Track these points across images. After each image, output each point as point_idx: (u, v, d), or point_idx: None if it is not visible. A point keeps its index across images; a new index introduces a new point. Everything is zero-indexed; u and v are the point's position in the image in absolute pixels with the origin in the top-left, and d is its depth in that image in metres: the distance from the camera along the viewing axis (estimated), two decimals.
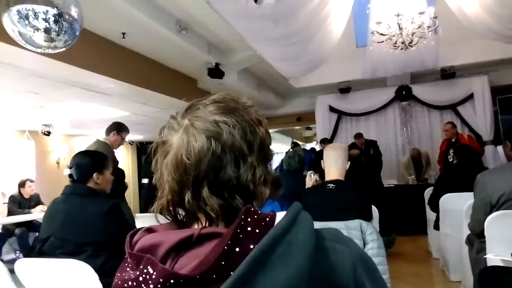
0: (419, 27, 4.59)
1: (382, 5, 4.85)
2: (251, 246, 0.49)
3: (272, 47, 4.62)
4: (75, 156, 1.94)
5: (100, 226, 1.71)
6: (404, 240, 4.97)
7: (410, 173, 6.37)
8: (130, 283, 0.53)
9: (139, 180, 9.72)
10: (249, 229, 0.51)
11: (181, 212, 0.61)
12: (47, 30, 2.29)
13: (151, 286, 0.50)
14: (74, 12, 2.39)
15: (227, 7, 3.59)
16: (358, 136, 6.51)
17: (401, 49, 4.76)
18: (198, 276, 0.48)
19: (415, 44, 4.72)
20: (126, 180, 3.58)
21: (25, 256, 4.48)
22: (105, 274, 1.49)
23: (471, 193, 2.32)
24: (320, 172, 2.37)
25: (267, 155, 0.63)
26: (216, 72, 5.36)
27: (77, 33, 2.47)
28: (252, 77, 6.59)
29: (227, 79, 5.58)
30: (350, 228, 1.81)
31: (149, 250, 0.54)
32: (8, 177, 6.10)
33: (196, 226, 0.59)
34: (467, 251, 2.54)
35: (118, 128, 3.55)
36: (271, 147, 0.65)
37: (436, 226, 3.61)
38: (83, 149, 2.56)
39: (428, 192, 4.15)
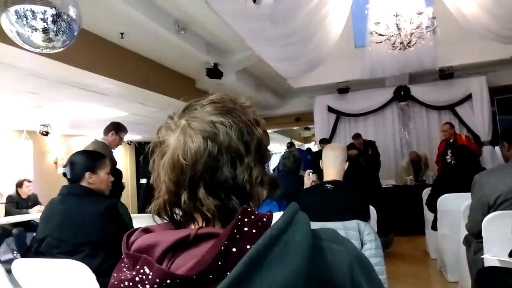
0: (418, 27, 4.60)
1: (381, 5, 4.86)
2: (248, 246, 0.49)
3: (270, 47, 4.63)
4: (72, 155, 1.94)
5: (97, 226, 1.71)
6: (402, 241, 4.98)
7: (409, 175, 6.38)
8: (126, 283, 0.53)
9: (137, 180, 9.70)
10: (245, 229, 0.51)
11: (178, 212, 0.61)
12: (45, 30, 2.29)
13: (148, 286, 0.50)
14: (72, 12, 2.39)
15: (225, 7, 3.59)
16: (357, 136, 6.52)
17: (400, 49, 4.77)
18: (194, 276, 0.48)
19: (413, 45, 4.73)
20: (123, 180, 3.58)
21: (22, 256, 4.47)
22: (102, 274, 1.48)
23: (469, 194, 2.32)
24: (319, 172, 2.37)
25: (265, 156, 0.63)
26: (214, 72, 5.36)
27: (75, 33, 2.47)
28: (250, 77, 6.59)
29: (225, 79, 5.58)
30: (348, 228, 1.81)
31: (145, 250, 0.54)
32: (6, 177, 6.09)
33: (192, 227, 0.59)
34: (464, 251, 2.54)
35: (117, 128, 3.55)
36: (269, 147, 0.65)
37: (434, 227, 3.62)
38: (81, 149, 2.55)
39: (426, 193, 4.16)
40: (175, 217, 0.61)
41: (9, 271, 1.61)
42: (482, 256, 2.03)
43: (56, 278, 1.56)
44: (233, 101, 0.63)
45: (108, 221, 1.73)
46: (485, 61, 6.19)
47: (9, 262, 4.12)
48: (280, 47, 4.67)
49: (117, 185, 3.07)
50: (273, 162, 8.16)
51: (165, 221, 0.62)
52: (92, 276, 1.47)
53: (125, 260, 0.57)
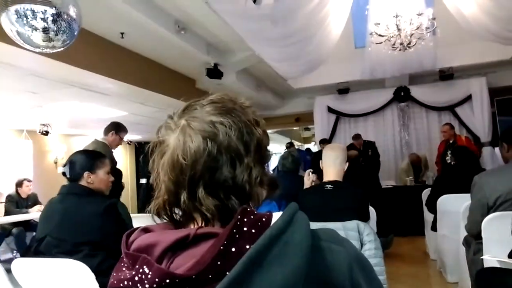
0: (418, 28, 4.60)
1: (381, 6, 4.86)
2: (247, 246, 0.49)
3: (271, 47, 4.63)
4: (71, 154, 1.94)
5: (96, 225, 1.71)
6: (401, 241, 4.98)
7: (409, 176, 6.37)
8: (125, 282, 0.53)
9: (137, 180, 9.70)
10: (245, 229, 0.51)
11: (178, 212, 0.61)
12: (45, 30, 2.29)
13: (147, 285, 0.50)
14: (72, 12, 2.39)
15: (226, 8, 3.59)
16: (357, 137, 6.52)
17: (400, 50, 4.77)
18: (194, 276, 0.48)
19: (413, 45, 4.74)
20: (123, 180, 3.58)
21: (22, 255, 4.47)
22: (102, 273, 1.48)
23: (469, 195, 2.33)
24: (319, 172, 2.37)
25: (264, 156, 0.63)
26: (214, 72, 5.36)
27: (75, 33, 2.47)
28: (250, 78, 6.59)
29: (225, 79, 5.58)
30: (347, 229, 1.81)
31: (145, 250, 0.54)
32: (6, 176, 6.09)
33: (192, 226, 0.59)
34: (464, 252, 2.55)
35: (117, 128, 3.55)
36: (268, 147, 0.66)
37: (434, 227, 3.62)
38: (81, 149, 2.55)
39: (425, 193, 4.16)
40: (175, 216, 0.61)
41: (8, 271, 1.61)
42: (481, 257, 2.03)
43: (55, 278, 1.56)
44: (233, 101, 0.63)
45: (107, 220, 1.73)
46: (485, 62, 6.19)
47: (8, 261, 4.12)
48: (280, 48, 4.67)
49: (117, 185, 3.07)
50: (273, 163, 8.17)
51: (165, 221, 0.62)
52: (92, 276, 1.47)
53: (124, 259, 0.57)
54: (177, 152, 0.57)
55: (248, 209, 0.53)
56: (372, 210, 2.45)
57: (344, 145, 5.69)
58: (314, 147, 10.84)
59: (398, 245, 4.70)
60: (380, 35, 4.73)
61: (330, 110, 7.87)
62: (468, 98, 6.97)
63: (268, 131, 0.67)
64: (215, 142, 0.56)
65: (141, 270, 0.51)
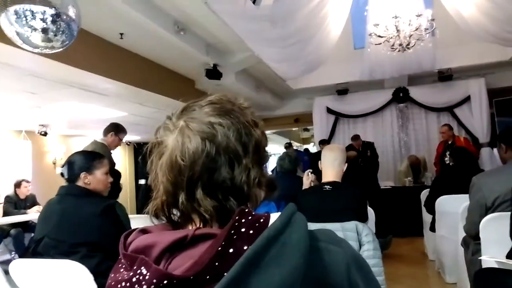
0: (417, 29, 4.61)
1: (380, 7, 4.87)
2: (245, 247, 0.49)
3: (270, 48, 4.63)
4: (70, 155, 1.94)
5: (94, 226, 1.70)
6: (400, 242, 4.98)
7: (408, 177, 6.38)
8: (123, 283, 0.53)
9: (136, 181, 9.69)
10: (243, 230, 0.51)
11: (176, 213, 0.61)
12: (44, 30, 2.29)
13: (145, 286, 0.50)
14: (71, 12, 2.39)
15: (225, 8, 3.59)
16: (356, 137, 6.53)
17: (399, 51, 4.78)
18: (191, 277, 0.48)
19: (412, 46, 4.75)
20: (121, 181, 3.58)
21: (20, 256, 4.46)
22: (100, 274, 1.48)
23: (467, 195, 2.33)
24: (318, 173, 2.37)
25: (263, 157, 0.63)
26: (214, 73, 5.36)
27: (74, 33, 2.47)
28: (250, 78, 6.60)
29: (225, 80, 5.58)
30: (346, 229, 1.81)
31: (143, 251, 0.54)
32: (4, 177, 6.07)
33: (190, 227, 0.59)
34: (462, 253, 2.55)
35: (116, 129, 3.55)
36: (267, 148, 0.66)
37: (432, 228, 3.62)
38: (80, 149, 2.54)
39: (424, 194, 4.17)
40: (173, 217, 0.61)
41: (7, 272, 1.61)
42: (480, 258, 2.03)
43: (54, 279, 1.55)
44: (231, 102, 0.63)
45: (105, 221, 1.72)
46: (483, 63, 6.20)
47: (7, 262, 4.10)
48: (280, 48, 4.67)
49: (115, 186, 3.07)
50: (272, 163, 8.16)
51: (163, 222, 0.62)
52: (90, 277, 1.47)
53: (122, 260, 0.57)
54: (176, 153, 0.57)
55: (246, 210, 0.53)
56: (370, 211, 2.45)
57: (343, 145, 5.70)
58: (313, 148, 10.84)
59: (396, 245, 4.70)
60: (379, 36, 4.74)
61: (329, 110, 7.87)
62: (467, 99, 6.99)
63: (267, 132, 0.67)
64: (214, 143, 0.57)
65: (139, 271, 0.51)
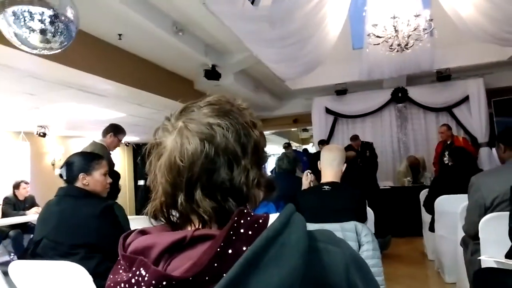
0: (415, 29, 4.62)
1: (378, 7, 4.88)
2: (244, 248, 0.49)
3: (268, 48, 4.64)
4: (69, 156, 1.93)
5: (93, 228, 1.70)
6: (399, 242, 4.98)
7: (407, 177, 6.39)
8: (122, 285, 0.53)
9: (135, 182, 9.68)
10: (242, 231, 0.51)
11: (175, 214, 0.60)
12: (42, 31, 2.28)
13: None
14: (70, 13, 2.39)
15: (223, 9, 3.60)
16: (354, 138, 6.54)
17: (397, 51, 4.79)
18: (190, 278, 0.48)
19: (411, 47, 4.75)
20: (120, 182, 3.57)
21: (19, 258, 4.45)
22: (99, 276, 1.48)
23: (466, 195, 2.33)
24: (317, 173, 2.37)
25: (261, 158, 0.63)
26: (212, 73, 5.36)
27: (73, 34, 2.47)
28: (248, 79, 6.60)
29: (223, 80, 5.58)
30: (345, 229, 1.81)
31: (142, 252, 0.54)
32: (3, 178, 6.06)
33: (189, 228, 0.59)
34: (462, 252, 2.55)
35: (115, 130, 3.55)
36: (265, 149, 0.66)
37: (431, 228, 3.62)
38: (79, 150, 2.54)
39: (423, 194, 4.17)
40: (172, 218, 0.61)
41: (5, 273, 1.60)
42: (479, 258, 2.03)
43: (52, 280, 1.55)
44: (230, 103, 0.63)
45: (104, 223, 1.72)
46: (482, 63, 6.22)
47: (6, 264, 4.09)
48: (278, 49, 4.68)
49: (114, 187, 3.07)
50: (271, 164, 8.16)
51: (162, 223, 0.62)
52: (89, 278, 1.46)
53: (121, 262, 0.57)
54: (174, 154, 0.57)
55: (245, 211, 0.53)
56: (370, 211, 2.45)
57: (342, 146, 5.70)
58: (312, 148, 10.84)
59: (396, 246, 4.71)
60: (377, 36, 4.74)
61: (328, 111, 7.88)
62: (466, 99, 7.00)
63: (266, 132, 0.68)
64: (213, 144, 0.57)
65: (138, 273, 0.51)
